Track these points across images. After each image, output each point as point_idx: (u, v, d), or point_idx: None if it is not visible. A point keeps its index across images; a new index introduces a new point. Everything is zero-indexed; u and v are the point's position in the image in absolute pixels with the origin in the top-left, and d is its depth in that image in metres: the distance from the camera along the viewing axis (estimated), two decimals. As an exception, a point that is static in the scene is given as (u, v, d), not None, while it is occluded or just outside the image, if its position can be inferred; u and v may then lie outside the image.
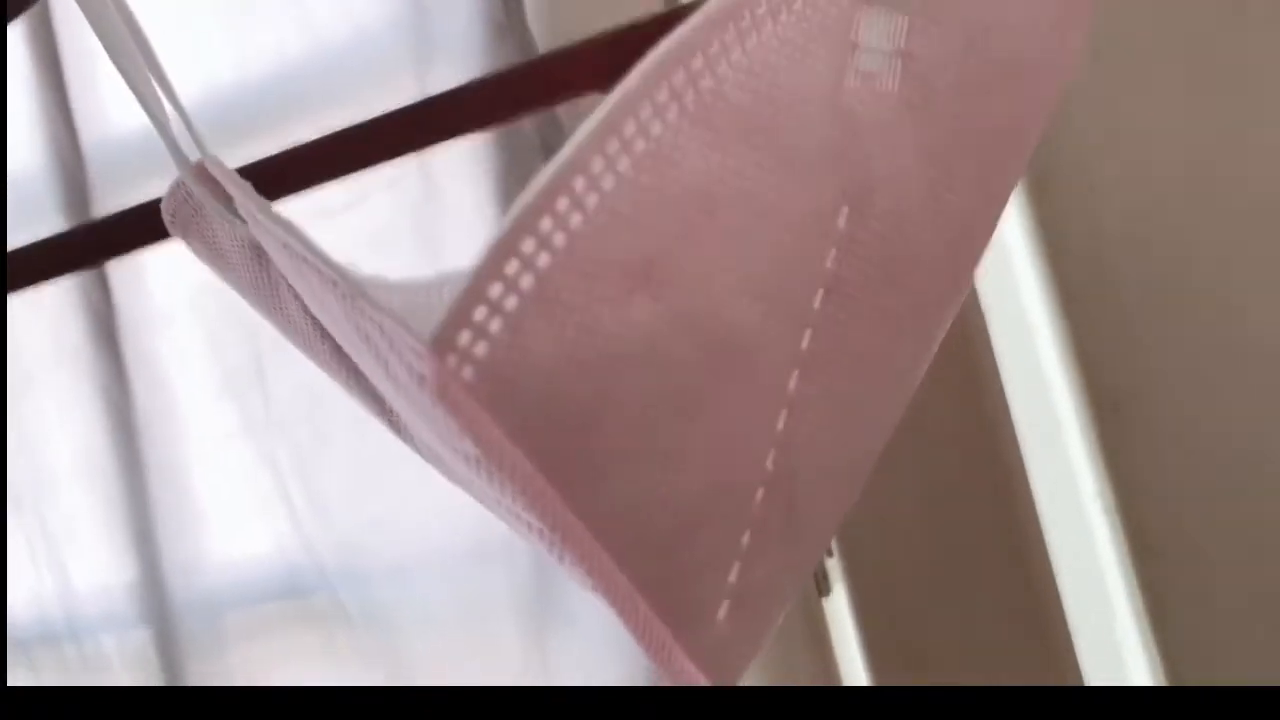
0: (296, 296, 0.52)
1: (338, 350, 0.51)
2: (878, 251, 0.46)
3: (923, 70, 0.42)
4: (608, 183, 0.37)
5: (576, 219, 0.36)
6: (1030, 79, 0.45)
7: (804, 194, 0.41)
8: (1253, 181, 0.84)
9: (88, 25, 0.48)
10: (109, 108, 0.99)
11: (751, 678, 0.89)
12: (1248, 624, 0.82)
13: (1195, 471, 0.83)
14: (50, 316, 0.97)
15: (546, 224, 0.36)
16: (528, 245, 0.36)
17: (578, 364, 0.36)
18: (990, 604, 0.88)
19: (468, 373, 0.34)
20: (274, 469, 0.91)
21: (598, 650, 0.86)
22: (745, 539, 0.41)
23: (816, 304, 0.46)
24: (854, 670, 0.90)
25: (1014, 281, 0.88)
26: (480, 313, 0.34)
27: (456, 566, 0.88)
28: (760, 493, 0.41)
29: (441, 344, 0.33)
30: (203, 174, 0.52)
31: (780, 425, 0.42)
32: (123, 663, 0.92)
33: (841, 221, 0.42)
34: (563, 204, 0.36)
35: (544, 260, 0.36)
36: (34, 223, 0.94)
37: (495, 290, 0.35)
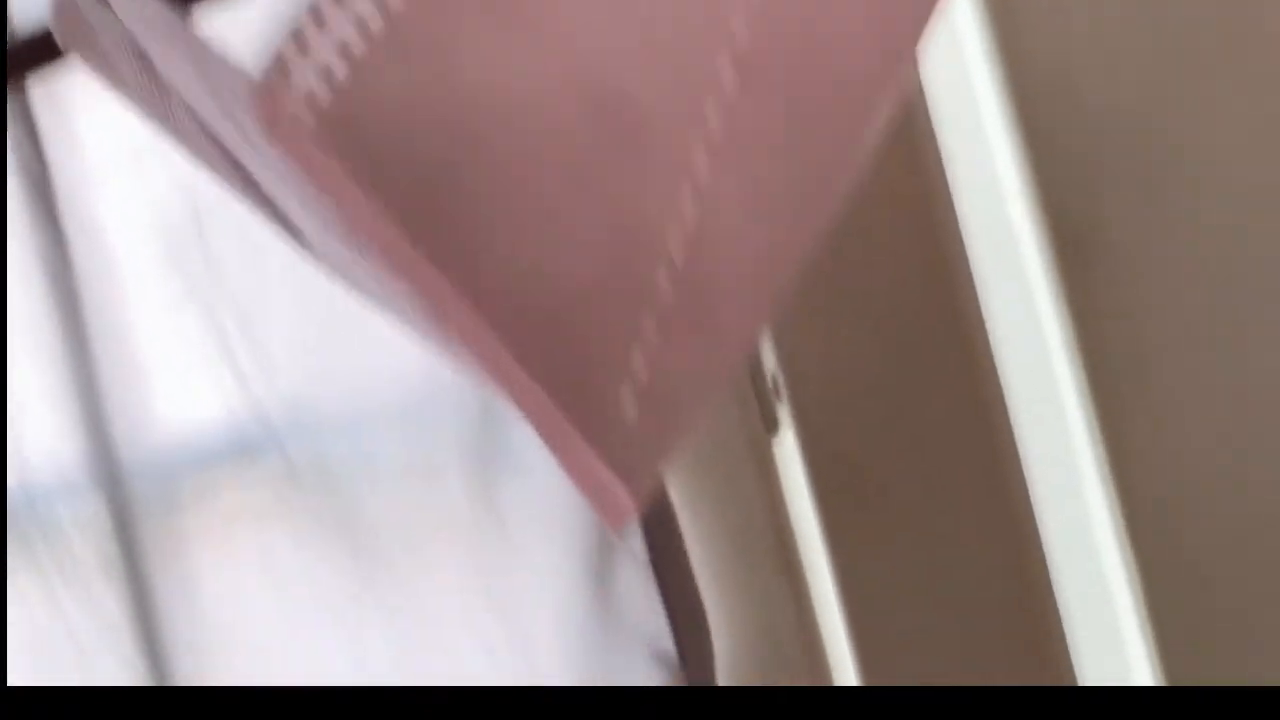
0: (183, 101, 0.49)
1: (226, 155, 0.48)
2: (793, 16, 0.43)
3: None
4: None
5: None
6: None
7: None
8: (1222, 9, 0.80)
9: None
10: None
11: (701, 511, 0.88)
12: (1205, 451, 0.80)
13: (1157, 307, 0.82)
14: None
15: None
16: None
17: (435, 112, 0.33)
18: (940, 442, 0.86)
19: (309, 119, 0.31)
20: (218, 328, 0.89)
21: (548, 500, 0.84)
22: (648, 324, 0.38)
23: (725, 79, 0.43)
24: (803, 508, 0.89)
25: (977, 117, 0.85)
26: (321, 51, 0.32)
27: (404, 419, 0.86)
28: (662, 274, 0.39)
29: (272, 81, 0.30)
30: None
31: (686, 207, 0.40)
32: (77, 529, 0.91)
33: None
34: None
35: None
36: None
37: (335, 26, 0.32)
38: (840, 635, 0.88)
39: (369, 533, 0.86)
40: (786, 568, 0.88)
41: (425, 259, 0.35)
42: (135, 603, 0.89)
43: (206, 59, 0.37)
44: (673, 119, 0.41)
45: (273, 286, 0.88)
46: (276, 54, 0.31)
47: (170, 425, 0.92)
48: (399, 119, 0.33)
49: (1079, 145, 0.81)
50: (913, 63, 0.51)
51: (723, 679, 0.86)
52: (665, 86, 0.41)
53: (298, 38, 0.31)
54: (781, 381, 0.87)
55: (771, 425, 0.89)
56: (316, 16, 0.31)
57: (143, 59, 0.50)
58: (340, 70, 0.32)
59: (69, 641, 0.89)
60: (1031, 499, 0.84)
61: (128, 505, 0.91)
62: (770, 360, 0.87)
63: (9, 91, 0.88)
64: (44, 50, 0.78)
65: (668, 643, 0.84)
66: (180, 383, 0.92)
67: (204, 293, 0.90)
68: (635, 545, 0.85)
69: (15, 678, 0.82)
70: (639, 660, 0.83)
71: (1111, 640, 0.83)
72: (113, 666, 0.88)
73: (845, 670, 0.88)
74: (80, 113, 0.92)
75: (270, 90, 0.30)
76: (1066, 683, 0.83)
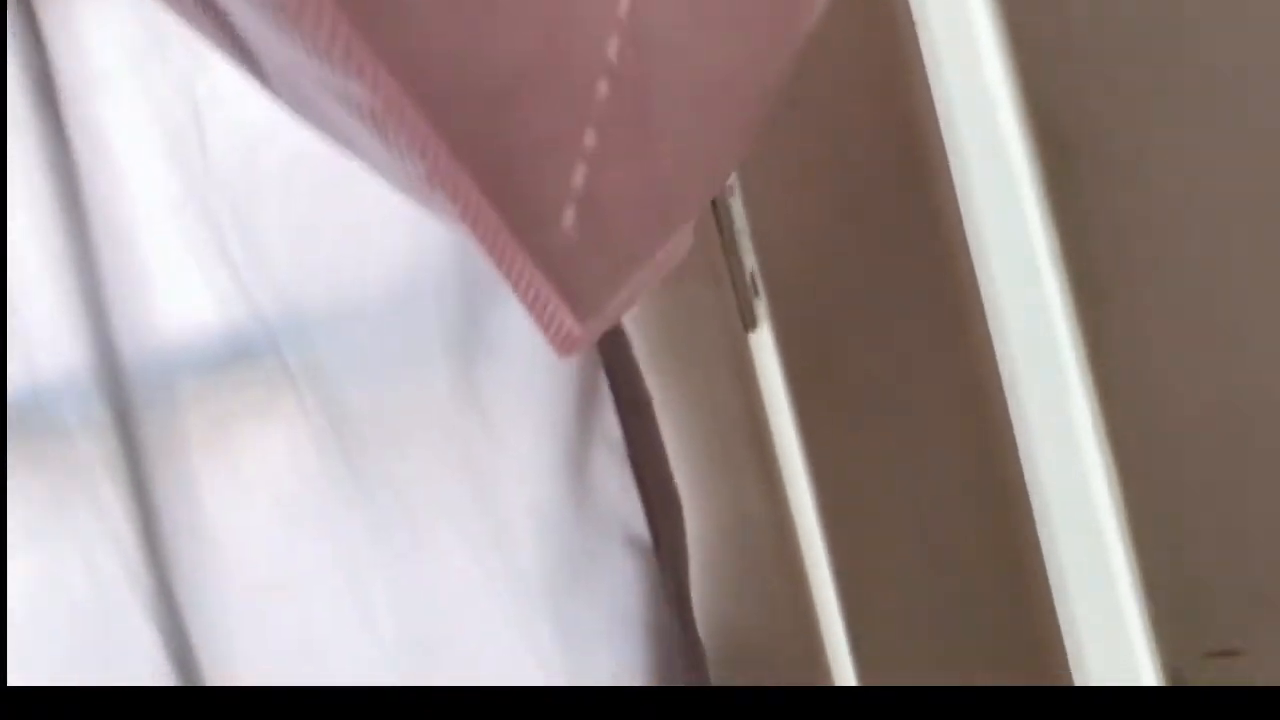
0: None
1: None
2: None
3: None
4: None
5: None
6: None
7: None
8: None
9: None
10: None
11: (678, 403, 0.84)
12: (1191, 361, 0.77)
13: (1146, 215, 0.78)
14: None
15: None
16: None
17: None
18: (918, 341, 0.84)
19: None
20: (215, 227, 0.87)
21: (529, 391, 0.84)
22: (589, 138, 0.34)
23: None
24: (779, 405, 0.89)
25: (965, 18, 0.80)
26: None
27: (388, 311, 0.85)
28: (603, 85, 0.35)
29: None
30: None
31: (623, 11, 0.35)
32: (82, 430, 0.90)
33: None
34: None
35: None
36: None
37: None
38: (814, 527, 0.89)
39: (356, 429, 0.85)
40: (761, 460, 0.90)
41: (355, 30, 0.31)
42: (136, 500, 0.88)
43: None
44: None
45: (263, 180, 0.86)
46: None
47: (172, 328, 0.90)
48: None
49: (1069, 49, 0.78)
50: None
51: (695, 564, 0.87)
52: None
53: None
54: (760, 278, 0.88)
55: (750, 321, 0.90)
56: None
57: None
58: None
59: (73, 539, 0.87)
60: (1010, 399, 0.83)
61: (130, 408, 0.89)
62: (750, 259, 0.88)
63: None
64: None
65: (642, 528, 0.85)
66: (181, 285, 0.89)
67: (201, 191, 0.88)
68: (613, 434, 0.85)
69: (23, 577, 0.83)
70: (614, 545, 0.84)
71: (1093, 544, 0.82)
72: (115, 565, 0.86)
73: (818, 561, 0.89)
74: (83, 10, 0.90)
75: None
76: (1045, 583, 0.83)
